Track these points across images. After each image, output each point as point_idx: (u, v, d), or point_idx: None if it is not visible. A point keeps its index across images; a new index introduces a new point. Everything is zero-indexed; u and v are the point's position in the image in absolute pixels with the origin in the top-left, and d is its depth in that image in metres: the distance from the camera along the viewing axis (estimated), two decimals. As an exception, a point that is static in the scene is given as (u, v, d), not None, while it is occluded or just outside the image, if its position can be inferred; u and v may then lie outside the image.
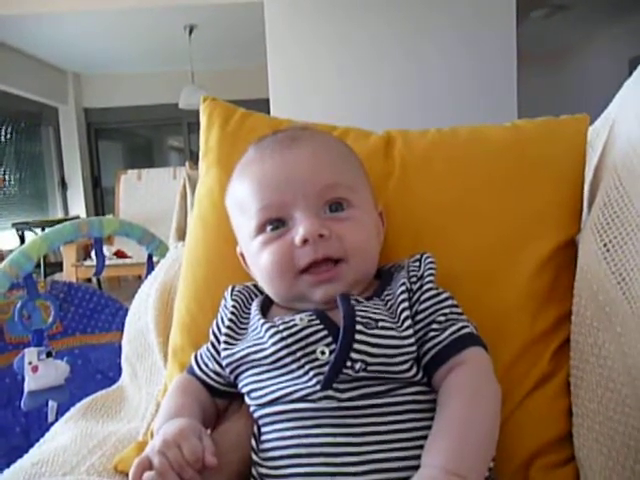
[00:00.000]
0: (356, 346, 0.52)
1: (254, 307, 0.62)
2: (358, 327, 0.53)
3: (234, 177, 0.67)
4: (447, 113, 2.21)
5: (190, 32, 4.99)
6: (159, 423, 0.57)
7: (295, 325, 0.55)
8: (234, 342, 0.60)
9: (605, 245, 0.62)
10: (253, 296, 0.66)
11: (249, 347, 0.57)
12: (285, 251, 0.58)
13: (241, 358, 0.58)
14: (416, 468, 0.47)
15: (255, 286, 0.67)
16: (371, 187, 0.68)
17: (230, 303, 0.64)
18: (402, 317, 0.55)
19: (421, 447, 0.49)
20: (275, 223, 0.60)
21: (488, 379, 0.53)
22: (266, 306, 0.63)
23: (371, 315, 0.55)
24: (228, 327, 0.61)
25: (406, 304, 0.56)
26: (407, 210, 0.73)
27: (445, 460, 0.46)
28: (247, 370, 0.58)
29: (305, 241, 0.57)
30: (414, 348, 0.54)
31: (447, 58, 2.32)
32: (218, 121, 0.83)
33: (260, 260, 0.60)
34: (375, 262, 0.64)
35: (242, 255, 0.68)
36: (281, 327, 0.55)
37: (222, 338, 0.61)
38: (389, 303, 0.58)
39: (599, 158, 0.73)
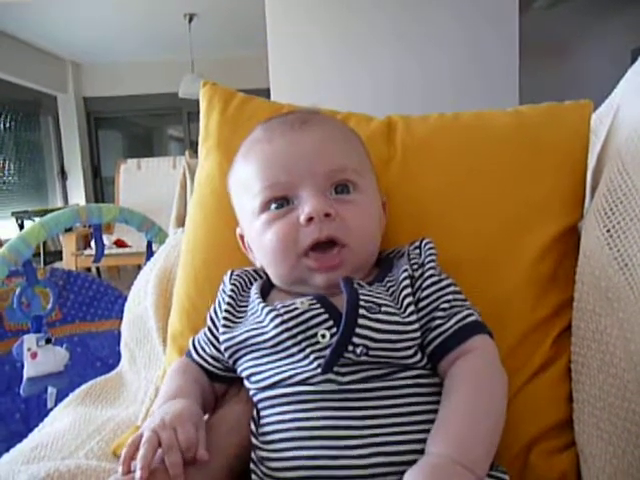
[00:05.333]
0: (358, 330, 0.51)
1: (254, 291, 0.62)
2: (361, 311, 0.52)
3: (239, 156, 0.66)
4: (448, 103, 2.19)
5: (190, 20, 4.97)
6: (158, 405, 0.57)
7: (296, 309, 0.54)
8: (233, 326, 0.59)
9: (608, 231, 0.61)
10: (252, 280, 0.65)
11: (249, 331, 0.57)
12: (289, 230, 0.57)
13: (241, 342, 0.57)
14: (419, 452, 0.47)
15: (254, 270, 0.67)
16: (376, 176, 0.67)
17: (229, 287, 0.63)
18: (405, 303, 0.55)
19: (424, 431, 0.49)
20: (280, 201, 0.59)
21: (494, 367, 0.53)
22: (266, 290, 0.62)
23: (374, 300, 0.54)
24: (226, 311, 0.61)
25: (409, 290, 0.56)
26: (408, 195, 0.72)
27: (451, 449, 0.45)
28: (247, 354, 0.58)
29: (310, 219, 0.56)
30: (418, 334, 0.54)
31: (448, 48, 2.30)
32: (218, 106, 0.83)
33: (263, 239, 0.60)
34: (376, 250, 0.63)
35: (241, 237, 0.68)
36: (282, 311, 0.54)
37: (220, 322, 0.60)
38: (391, 289, 0.57)
39: (603, 144, 0.73)
